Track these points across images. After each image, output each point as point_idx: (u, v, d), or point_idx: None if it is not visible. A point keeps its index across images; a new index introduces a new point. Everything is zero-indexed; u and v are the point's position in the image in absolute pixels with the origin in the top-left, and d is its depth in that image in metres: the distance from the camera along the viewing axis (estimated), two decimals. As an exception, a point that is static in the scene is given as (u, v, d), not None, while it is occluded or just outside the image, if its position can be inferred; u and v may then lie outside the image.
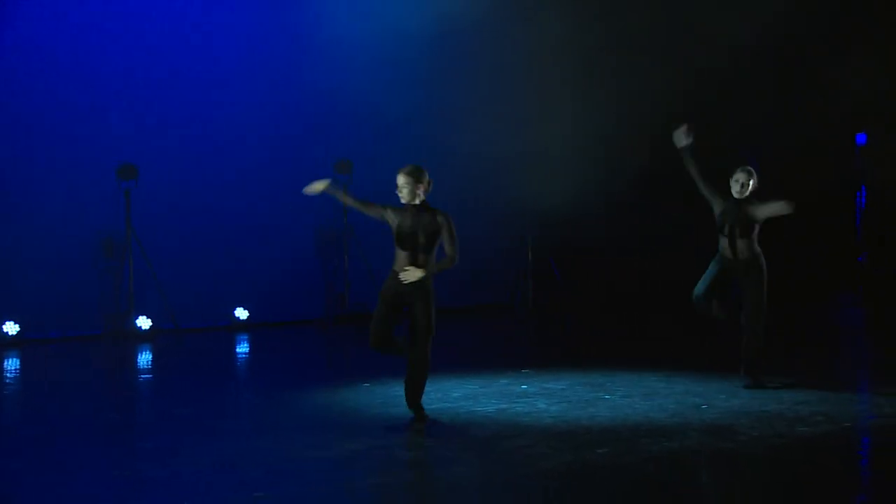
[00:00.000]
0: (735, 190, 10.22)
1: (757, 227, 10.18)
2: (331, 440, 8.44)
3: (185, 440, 8.62)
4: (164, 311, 14.92)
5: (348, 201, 9.27)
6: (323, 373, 12.42)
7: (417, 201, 8.91)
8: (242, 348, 14.38)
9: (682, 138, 10.28)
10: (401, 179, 8.93)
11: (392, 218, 8.94)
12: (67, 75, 14.64)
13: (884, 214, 16.26)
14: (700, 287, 10.11)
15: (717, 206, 10.28)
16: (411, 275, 8.71)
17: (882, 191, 16.12)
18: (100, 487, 7.36)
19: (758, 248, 10.15)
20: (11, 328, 14.19)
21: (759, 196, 10.22)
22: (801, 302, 16.40)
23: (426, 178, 8.97)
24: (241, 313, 15.64)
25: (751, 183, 10.25)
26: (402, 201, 8.93)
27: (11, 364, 12.92)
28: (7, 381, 12.02)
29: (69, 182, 14.52)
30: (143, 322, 14.73)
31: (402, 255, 8.86)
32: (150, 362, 13.41)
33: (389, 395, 9.99)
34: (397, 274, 8.84)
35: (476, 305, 17.01)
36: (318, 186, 9.07)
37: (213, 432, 8.91)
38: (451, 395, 10.09)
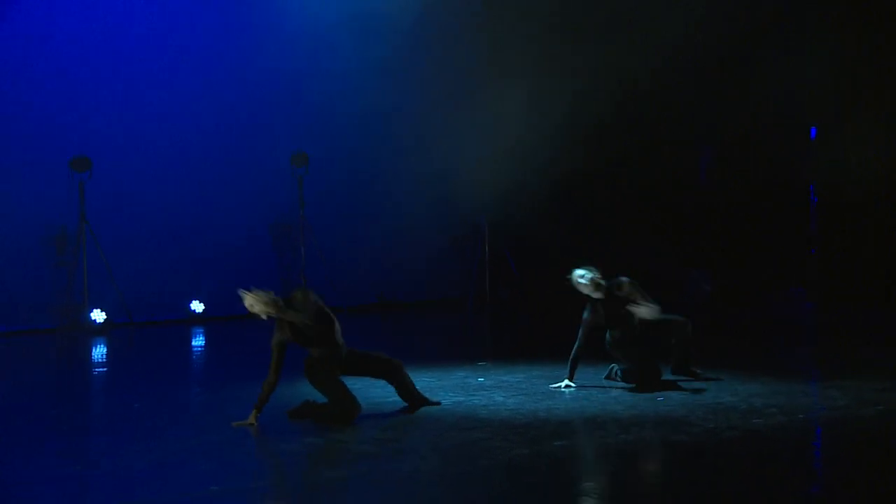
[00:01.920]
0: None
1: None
2: (287, 434, 8.42)
3: (140, 434, 8.56)
4: (118, 304, 14.81)
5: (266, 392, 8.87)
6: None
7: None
8: (198, 341, 14.30)
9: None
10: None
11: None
12: (19, 67, 14.49)
13: (834, 207, 16.42)
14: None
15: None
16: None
17: (832, 184, 16.29)
18: (54, 482, 7.30)
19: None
20: (-37, 322, 14.06)
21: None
22: (753, 295, 16.53)
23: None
24: (197, 306, 15.56)
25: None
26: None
27: (-37, 358, 12.78)
28: (-42, 375, 11.89)
29: (21, 174, 14.38)
30: (98, 315, 14.61)
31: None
32: (104, 356, 13.30)
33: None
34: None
35: (431, 300, 17.02)
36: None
37: (168, 426, 8.86)
38: (407, 388, 10.09)
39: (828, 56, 16.08)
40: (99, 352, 13.45)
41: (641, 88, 15.97)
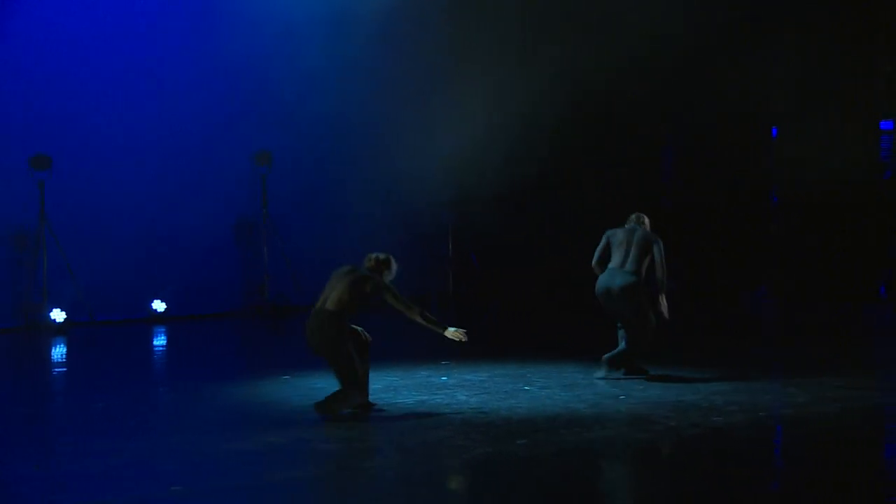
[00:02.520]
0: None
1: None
2: (250, 433, 8.39)
3: (101, 434, 8.50)
4: (79, 303, 14.70)
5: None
6: (242, 366, 12.34)
7: None
8: (160, 341, 14.22)
9: None
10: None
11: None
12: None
13: (795, 207, 16.55)
14: None
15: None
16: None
17: (793, 183, 16.41)
18: (13, 484, 7.24)
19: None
20: (-79, 321, 13.90)
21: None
22: (715, 294, 16.64)
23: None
24: (159, 305, 15.47)
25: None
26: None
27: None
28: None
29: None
30: (58, 315, 14.49)
31: None
32: (64, 355, 13.20)
33: (309, 388, 9.94)
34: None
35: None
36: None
37: (129, 426, 8.80)
38: (371, 388, 10.05)
39: (789, 56, 16.21)
40: (59, 351, 13.34)
41: (604, 88, 16.01)
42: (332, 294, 8.92)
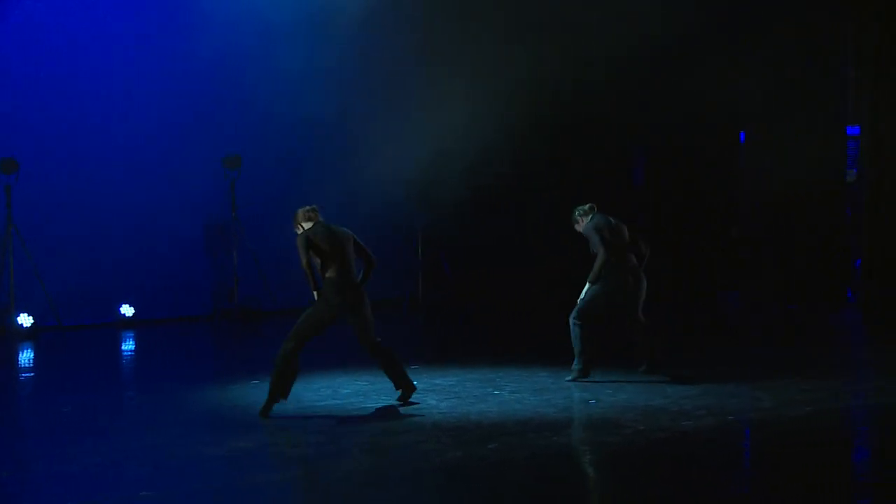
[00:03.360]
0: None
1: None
2: (220, 438, 8.37)
3: (69, 439, 8.46)
4: (46, 307, 14.59)
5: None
6: (212, 370, 12.30)
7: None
8: (128, 345, 14.15)
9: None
10: None
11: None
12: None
13: (764, 210, 16.65)
14: None
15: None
16: None
17: (761, 187, 16.51)
18: (-20, 489, 7.20)
19: None
20: None
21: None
22: (685, 298, 16.71)
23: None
24: (127, 310, 15.39)
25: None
26: None
27: None
28: None
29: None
30: (25, 319, 14.38)
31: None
32: (31, 360, 13.11)
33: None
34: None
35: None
36: None
37: (98, 431, 8.76)
38: (341, 392, 10.07)
39: (757, 62, 16.32)
40: (27, 356, 13.25)
41: (574, 91, 16.05)
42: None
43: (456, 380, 10.68)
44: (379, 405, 9.49)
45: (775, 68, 16.24)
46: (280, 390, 8.98)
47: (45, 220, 14.74)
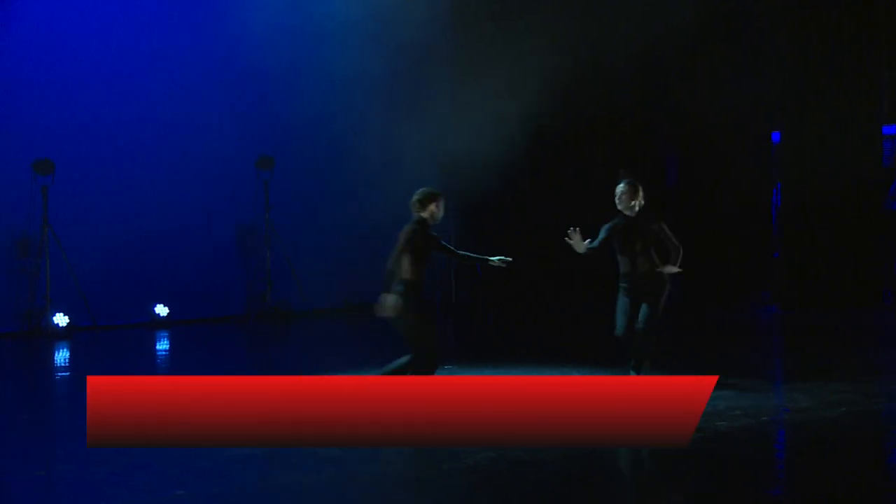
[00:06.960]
0: (620, 205, 10.01)
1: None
2: (252, 438, 8.37)
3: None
4: (82, 307, 14.70)
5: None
6: (245, 370, 12.34)
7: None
8: (162, 345, 14.23)
9: (580, 246, 9.98)
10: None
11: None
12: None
13: (798, 211, 16.52)
14: (620, 324, 9.92)
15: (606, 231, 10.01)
16: None
17: (796, 188, 16.38)
18: (14, 488, 7.24)
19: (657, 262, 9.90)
20: (-76, 326, 13.91)
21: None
22: (717, 298, 16.61)
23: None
24: (161, 310, 15.47)
25: (636, 199, 10.00)
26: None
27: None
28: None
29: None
30: (61, 319, 14.50)
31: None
32: (67, 360, 13.21)
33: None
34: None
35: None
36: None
37: (132, 431, 8.79)
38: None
39: (791, 61, 16.20)
40: (62, 356, 13.35)
41: (604, 89, 15.99)
42: None
43: (488, 380, 10.64)
44: (411, 405, 9.48)
45: (810, 66, 16.11)
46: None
47: (81, 221, 14.85)
